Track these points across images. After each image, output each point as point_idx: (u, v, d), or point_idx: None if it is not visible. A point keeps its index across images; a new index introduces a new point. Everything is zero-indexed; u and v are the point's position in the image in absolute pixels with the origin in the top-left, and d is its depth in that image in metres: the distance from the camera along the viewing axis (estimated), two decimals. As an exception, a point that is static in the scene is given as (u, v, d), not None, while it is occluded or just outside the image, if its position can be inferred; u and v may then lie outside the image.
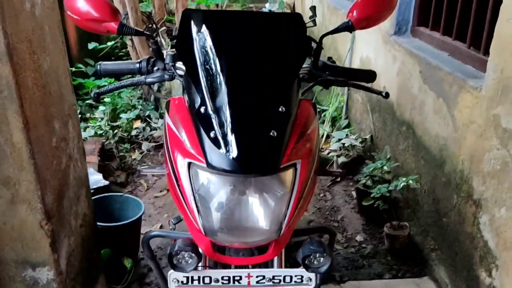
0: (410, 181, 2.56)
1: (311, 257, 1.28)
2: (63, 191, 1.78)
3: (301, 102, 1.41)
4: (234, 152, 1.15)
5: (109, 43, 4.95)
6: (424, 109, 2.68)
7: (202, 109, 1.23)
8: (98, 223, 2.23)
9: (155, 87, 4.31)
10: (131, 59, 4.81)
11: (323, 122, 4.20)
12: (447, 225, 2.44)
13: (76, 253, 1.88)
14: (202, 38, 1.34)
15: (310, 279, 1.29)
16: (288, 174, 1.23)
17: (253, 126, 1.21)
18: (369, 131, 3.66)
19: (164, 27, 4.66)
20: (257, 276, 1.27)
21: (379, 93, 1.71)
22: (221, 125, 1.19)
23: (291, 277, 1.28)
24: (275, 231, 1.24)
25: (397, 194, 3.10)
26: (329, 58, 1.70)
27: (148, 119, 4.09)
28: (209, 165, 1.18)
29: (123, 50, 5.46)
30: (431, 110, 2.59)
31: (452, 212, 2.39)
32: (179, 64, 1.52)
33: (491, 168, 2.04)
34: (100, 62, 1.65)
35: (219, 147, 1.17)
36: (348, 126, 4.14)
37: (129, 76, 2.48)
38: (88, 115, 4.17)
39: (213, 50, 1.31)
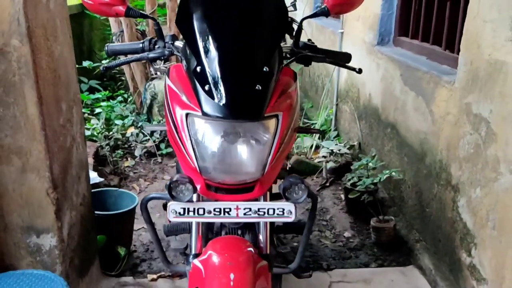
0: (393, 173, 2.76)
1: (291, 189, 1.47)
2: (67, 167, 1.96)
3: (283, 68, 1.65)
4: (225, 101, 1.38)
5: (104, 62, 5.20)
6: (406, 108, 2.92)
7: (198, 68, 1.45)
8: (95, 212, 2.39)
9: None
10: (125, 75, 5.05)
11: (312, 135, 4.42)
12: (430, 214, 2.64)
13: (76, 228, 2.06)
14: (198, 12, 1.58)
15: (291, 212, 1.47)
16: (271, 123, 1.45)
17: (241, 81, 1.44)
18: (357, 139, 3.88)
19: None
20: (244, 209, 1.46)
21: (353, 69, 1.95)
22: (214, 79, 1.41)
23: (274, 209, 1.46)
24: (259, 171, 1.46)
25: (384, 194, 3.30)
26: (309, 40, 1.94)
27: (141, 129, 4.28)
28: (204, 114, 1.40)
29: (117, 68, 5.71)
30: (412, 109, 2.83)
31: (433, 201, 2.58)
32: (178, 42, 1.76)
33: (466, 153, 2.25)
34: (107, 45, 1.87)
35: (212, 97, 1.39)
36: (337, 137, 4.37)
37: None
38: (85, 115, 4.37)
39: (208, 21, 1.54)
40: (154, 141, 4.06)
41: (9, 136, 1.72)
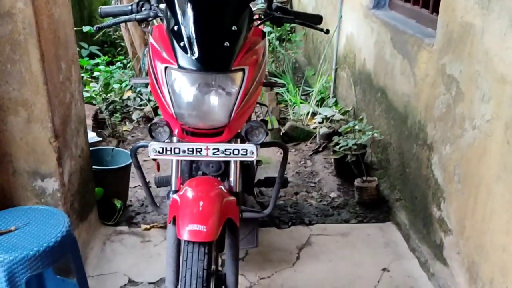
0: (375, 134, 3.10)
1: (252, 132, 1.85)
2: (67, 121, 2.33)
3: (252, 29, 2.00)
4: (197, 55, 1.73)
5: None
6: (394, 72, 3.24)
7: (176, 28, 1.81)
8: (93, 167, 2.77)
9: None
10: (123, 42, 5.40)
11: (310, 102, 4.74)
12: (409, 174, 2.98)
13: (75, 176, 2.44)
14: None
15: (252, 152, 1.83)
16: (238, 75, 1.81)
17: (212, 38, 1.79)
18: (352, 104, 4.21)
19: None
20: (213, 149, 1.82)
21: (321, 29, 2.28)
22: (189, 37, 1.76)
23: (238, 150, 1.83)
24: (226, 117, 1.81)
25: (372, 157, 3.64)
26: (282, 3, 2.28)
27: (139, 95, 4.64)
28: (179, 67, 1.76)
29: (116, 33, 6.05)
30: (399, 72, 3.15)
31: (412, 161, 2.93)
32: (162, 5, 2.09)
33: (439, 112, 2.58)
34: (100, 7, 2.21)
35: (186, 52, 1.74)
36: (335, 104, 4.69)
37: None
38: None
39: None
40: (152, 106, 4.42)
41: (16, 90, 2.08)
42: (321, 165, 3.86)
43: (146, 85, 4.32)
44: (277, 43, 5.54)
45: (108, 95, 4.31)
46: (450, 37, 2.47)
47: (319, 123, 4.24)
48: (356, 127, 3.37)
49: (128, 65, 5.25)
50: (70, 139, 2.37)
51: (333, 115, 4.16)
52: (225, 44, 1.77)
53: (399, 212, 3.05)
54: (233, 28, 1.82)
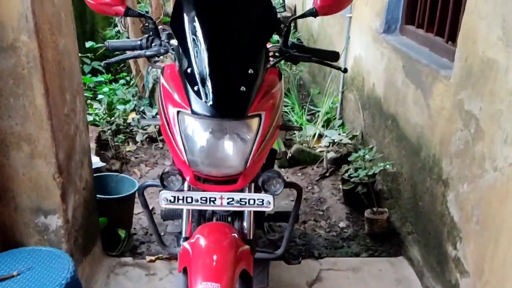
0: (387, 166, 3.01)
1: (269, 182, 1.74)
2: (71, 154, 2.24)
3: (268, 70, 1.91)
4: (212, 101, 1.63)
5: (107, 42, 5.44)
6: (406, 101, 3.14)
7: (189, 70, 1.71)
8: (97, 196, 2.68)
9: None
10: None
11: (316, 123, 4.65)
12: (422, 207, 2.88)
13: (79, 210, 2.35)
14: (190, 18, 1.82)
15: (269, 202, 1.74)
16: (254, 121, 1.71)
17: (228, 82, 1.70)
18: (360, 128, 4.12)
19: (161, 26, 5.17)
20: (227, 198, 1.72)
21: (339, 68, 2.20)
22: (203, 81, 1.66)
23: (254, 200, 1.73)
24: (242, 165, 1.72)
25: (381, 186, 3.55)
26: (298, 39, 2.19)
27: (143, 113, 4.55)
28: (193, 112, 1.66)
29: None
30: (411, 101, 3.05)
31: (426, 194, 2.83)
32: (173, 41, 2.01)
33: (456, 148, 2.48)
34: (108, 41, 2.13)
35: (200, 97, 1.65)
36: (342, 126, 4.60)
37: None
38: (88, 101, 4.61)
39: (199, 26, 1.79)
40: (155, 127, 4.32)
41: (19, 125, 1.99)
42: (329, 192, 3.77)
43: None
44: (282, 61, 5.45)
45: (112, 118, 4.21)
46: (469, 72, 2.38)
47: (326, 147, 4.15)
48: (367, 156, 3.28)
49: (131, 83, 5.17)
50: (75, 172, 2.28)
51: (340, 140, 4.06)
52: (241, 89, 1.67)
53: (411, 247, 2.94)
54: (249, 72, 1.72)
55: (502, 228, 2.10)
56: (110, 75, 5.16)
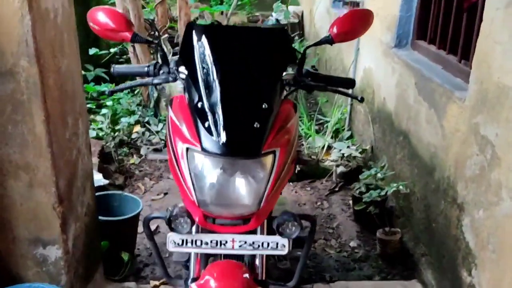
0: (401, 187, 2.91)
1: (284, 225, 1.64)
2: (72, 180, 2.15)
3: (283, 102, 1.81)
4: (223, 139, 1.53)
5: (112, 50, 5.35)
6: (418, 119, 3.04)
7: (199, 104, 1.61)
8: (99, 217, 2.59)
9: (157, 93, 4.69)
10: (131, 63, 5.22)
11: (325, 133, 4.56)
12: (436, 229, 2.78)
13: (81, 238, 2.26)
14: (201, 47, 1.74)
15: (284, 246, 1.64)
16: (268, 159, 1.61)
17: (240, 118, 1.60)
18: (370, 142, 4.01)
19: (167, 35, 5.08)
20: (239, 241, 1.63)
21: (355, 97, 2.10)
22: (214, 117, 1.57)
23: (268, 243, 1.64)
24: (255, 205, 1.62)
25: (393, 203, 3.44)
26: (313, 67, 2.09)
27: (147, 124, 4.47)
28: (203, 149, 1.56)
29: (124, 57, 5.87)
30: (424, 120, 2.95)
31: (440, 216, 2.73)
32: (182, 68, 1.89)
33: (472, 173, 2.38)
34: (113, 65, 2.03)
35: (211, 134, 1.55)
36: (351, 137, 4.50)
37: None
38: (90, 118, 4.52)
39: (210, 57, 1.70)
40: (161, 139, 4.24)
41: (17, 153, 1.91)
42: (339, 208, 3.67)
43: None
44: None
45: (115, 133, 4.10)
46: (484, 96, 2.28)
47: (335, 161, 4.04)
48: (379, 175, 3.18)
49: (136, 92, 5.08)
50: (76, 199, 2.19)
51: (350, 153, 3.96)
52: (254, 125, 1.58)
53: (425, 270, 2.84)
54: (263, 106, 1.63)
55: (520, 260, 2.01)
56: (114, 84, 5.07)
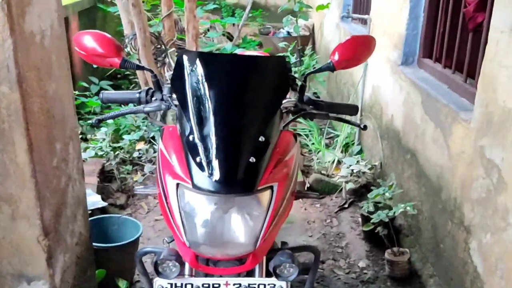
0: (408, 208, 2.76)
1: (281, 267, 1.52)
2: (61, 209, 2.04)
3: (281, 133, 1.67)
4: (216, 175, 1.41)
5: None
6: (425, 138, 2.90)
7: (191, 138, 1.49)
8: (94, 244, 2.43)
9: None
10: (137, 78, 5.05)
11: (335, 148, 4.42)
12: (444, 251, 2.63)
13: (70, 270, 2.12)
14: (193, 76, 1.62)
15: None
16: (265, 195, 1.48)
17: (235, 153, 1.47)
18: (379, 158, 3.86)
19: (173, 48, 4.92)
20: (234, 284, 1.51)
21: (358, 125, 1.97)
22: (207, 151, 1.45)
23: (264, 285, 1.52)
24: (251, 244, 1.48)
25: (402, 221, 3.29)
26: (314, 93, 1.96)
27: (152, 140, 4.28)
28: (194, 186, 1.44)
29: (130, 70, 5.75)
30: (431, 139, 2.81)
31: (447, 237, 2.58)
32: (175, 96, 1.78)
33: (478, 196, 2.24)
34: (102, 92, 1.93)
35: (203, 170, 1.43)
36: (360, 152, 4.35)
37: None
38: (89, 135, 4.34)
39: (203, 86, 1.58)
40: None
41: (-1, 184, 1.80)
42: (348, 225, 3.52)
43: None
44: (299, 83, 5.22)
45: (116, 152, 3.92)
46: (490, 119, 2.14)
47: (345, 177, 3.89)
48: (387, 194, 3.03)
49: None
50: (65, 230, 2.07)
51: (359, 169, 3.81)
52: (250, 160, 1.45)
53: (433, 293, 2.69)
54: (260, 139, 1.50)
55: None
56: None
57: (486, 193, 2.17)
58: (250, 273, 1.62)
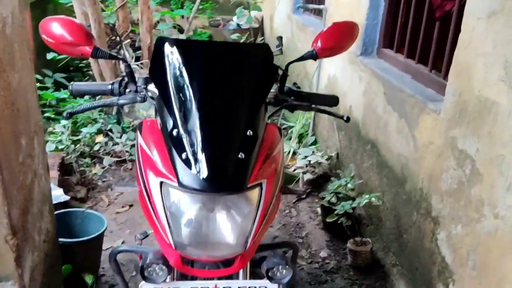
0: (373, 199, 2.72)
1: (274, 269, 1.41)
2: (28, 206, 1.84)
3: (267, 126, 1.55)
4: (204, 173, 1.27)
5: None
6: (388, 129, 2.85)
7: (175, 132, 1.34)
8: (60, 239, 2.27)
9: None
10: (91, 70, 4.82)
11: (290, 139, 4.34)
12: (408, 241, 2.60)
13: (39, 268, 1.94)
14: (174, 65, 1.46)
15: None
16: (254, 193, 1.36)
17: (223, 149, 1.33)
18: (335, 149, 3.82)
19: (128, 40, 4.72)
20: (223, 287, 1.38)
21: (341, 117, 1.86)
22: (193, 147, 1.30)
23: None
24: (241, 245, 1.37)
25: (361, 211, 3.25)
26: (295, 84, 1.84)
27: (110, 133, 4.12)
28: (180, 184, 1.29)
29: (84, 62, 5.48)
30: (394, 130, 2.76)
31: (412, 228, 2.54)
32: (151, 86, 1.61)
33: (448, 187, 2.20)
34: (72, 82, 1.73)
35: (190, 167, 1.28)
36: (314, 143, 4.30)
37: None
38: (48, 129, 4.10)
39: (185, 77, 1.42)
40: (126, 150, 3.91)
41: (-38, 183, 1.59)
42: (307, 215, 3.46)
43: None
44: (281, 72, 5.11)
45: (77, 146, 3.72)
46: (463, 109, 2.09)
47: (302, 168, 3.83)
48: (349, 185, 2.97)
49: (98, 98, 4.71)
50: (32, 227, 1.88)
51: (316, 161, 3.75)
52: (239, 155, 1.31)
53: (397, 281, 2.66)
54: (248, 133, 1.37)
55: (504, 279, 1.84)
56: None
57: (457, 185, 2.13)
58: (233, 275, 1.51)
